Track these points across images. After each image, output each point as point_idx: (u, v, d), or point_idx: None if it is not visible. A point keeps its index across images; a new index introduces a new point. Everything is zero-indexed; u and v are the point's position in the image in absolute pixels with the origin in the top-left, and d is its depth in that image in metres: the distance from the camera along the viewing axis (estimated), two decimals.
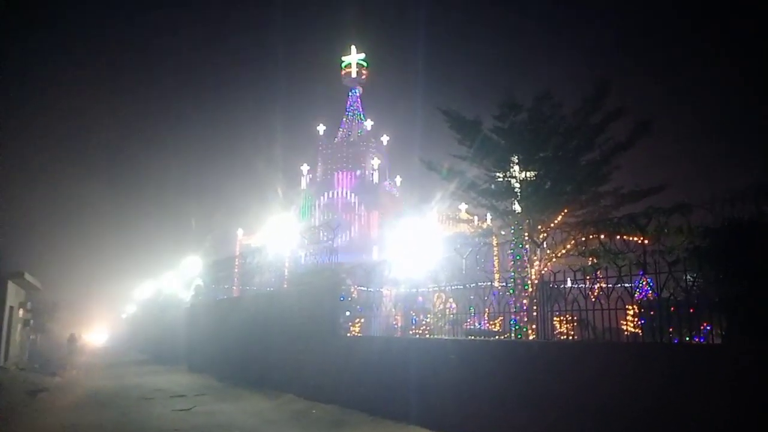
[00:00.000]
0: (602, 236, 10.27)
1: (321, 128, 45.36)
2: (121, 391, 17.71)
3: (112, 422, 12.20)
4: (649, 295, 8.96)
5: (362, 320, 15.00)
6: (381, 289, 14.76)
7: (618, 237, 9.83)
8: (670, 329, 8.09)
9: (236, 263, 25.24)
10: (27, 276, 25.39)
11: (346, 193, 42.01)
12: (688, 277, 8.06)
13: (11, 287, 24.86)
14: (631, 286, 8.82)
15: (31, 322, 30.29)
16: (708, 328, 7.87)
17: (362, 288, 15.02)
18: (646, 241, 9.17)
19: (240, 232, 43.88)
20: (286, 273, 19.49)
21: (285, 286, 19.11)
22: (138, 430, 11.43)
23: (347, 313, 14.78)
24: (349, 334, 14.50)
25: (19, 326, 27.74)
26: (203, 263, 28.69)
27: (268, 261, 20.56)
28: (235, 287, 25.97)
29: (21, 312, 27.74)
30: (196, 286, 28.12)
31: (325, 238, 17.31)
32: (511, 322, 11.82)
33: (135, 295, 54.97)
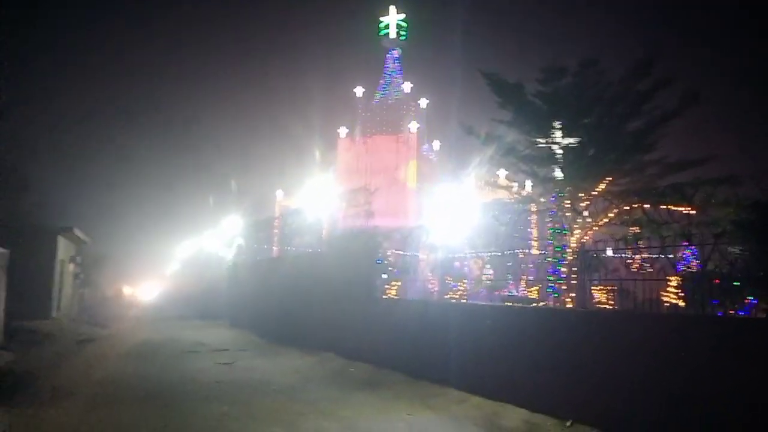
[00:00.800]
0: (646, 206, 10.08)
1: (359, 90, 45.03)
2: (166, 344, 18.52)
3: (156, 373, 12.82)
4: (692, 265, 8.83)
5: (399, 284, 15.20)
6: (418, 254, 14.88)
7: (662, 207, 9.64)
8: (713, 302, 7.98)
9: (275, 224, 25.71)
10: (76, 231, 26.45)
11: (384, 157, 41.93)
12: (734, 250, 7.90)
13: (62, 241, 25.95)
14: (674, 257, 8.69)
15: (81, 275, 31.66)
16: (753, 302, 7.74)
17: (399, 252, 15.16)
18: (691, 212, 8.97)
19: (279, 193, 44.45)
20: (324, 235, 19.78)
21: (323, 248, 19.41)
22: (180, 381, 11.96)
23: (384, 276, 14.99)
24: (385, 297, 14.73)
25: (70, 279, 29.05)
26: (244, 223, 29.30)
27: (307, 223, 20.89)
28: (274, 248, 26.50)
29: (71, 266, 29.00)
30: (237, 246, 28.82)
31: (363, 202, 17.45)
32: (549, 290, 11.81)
33: (178, 252, 56.68)
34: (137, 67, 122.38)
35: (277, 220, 26.08)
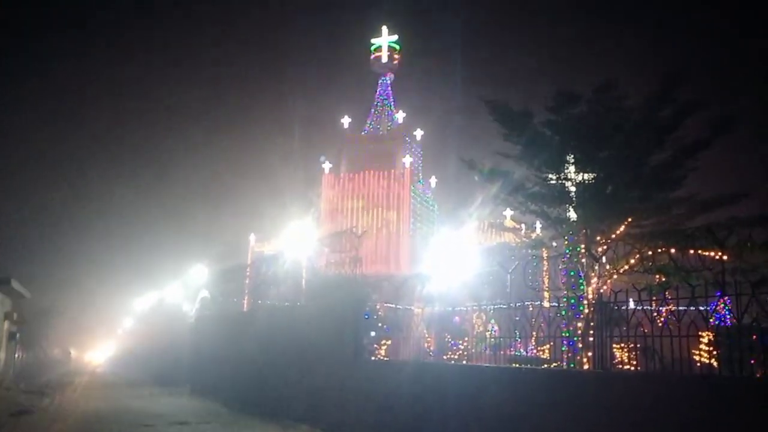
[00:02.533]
0: (673, 250, 10.13)
1: (346, 121, 45.56)
2: (116, 416, 18.05)
3: None
4: (728, 320, 8.78)
5: (389, 342, 15.00)
6: (412, 307, 14.76)
7: (692, 251, 9.68)
8: (752, 361, 7.91)
9: (248, 273, 25.51)
10: (14, 283, 26.08)
11: (373, 195, 42.13)
12: None
13: None
14: (706, 310, 8.65)
15: (18, 335, 31.09)
16: None
17: (390, 305, 15.03)
18: (725, 257, 9.00)
19: (252, 238, 44.37)
20: (303, 285, 19.64)
21: (302, 300, 19.23)
22: None
23: (372, 334, 14.81)
24: (374, 358, 14.52)
25: (4, 340, 28.51)
26: (210, 272, 29.08)
27: (284, 271, 20.75)
28: (245, 300, 26.21)
29: (6, 324, 28.50)
30: (202, 299, 28.52)
31: (349, 247, 17.42)
32: (563, 349, 11.69)
33: (136, 306, 56.02)
34: (92, 98, 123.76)
35: (249, 269, 25.89)
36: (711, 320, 8.74)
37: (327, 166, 44.15)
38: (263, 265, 23.43)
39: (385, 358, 14.68)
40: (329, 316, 15.91)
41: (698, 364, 9.41)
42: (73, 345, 70.42)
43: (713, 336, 8.82)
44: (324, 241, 19.71)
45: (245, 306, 26.13)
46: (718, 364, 8.58)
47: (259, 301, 23.38)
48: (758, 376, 7.75)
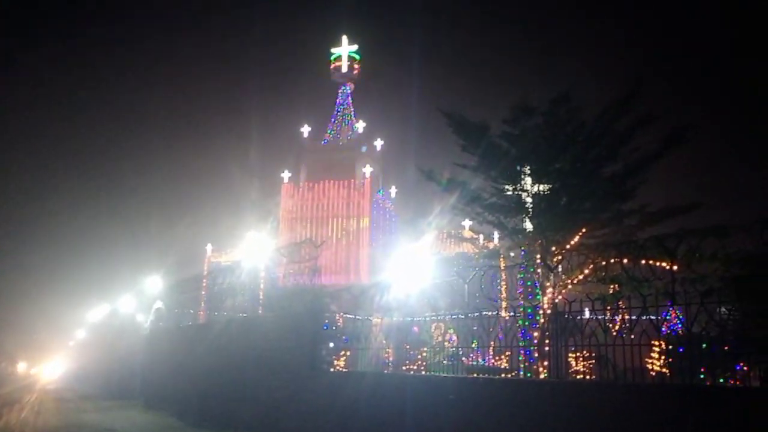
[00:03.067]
0: (625, 261, 10.31)
1: (306, 130, 45.39)
2: None
3: None
4: (679, 329, 8.98)
5: (348, 353, 14.89)
6: (370, 318, 14.70)
7: (643, 262, 9.87)
8: (702, 369, 8.09)
9: (204, 284, 25.10)
10: None
11: (333, 205, 42.01)
12: (723, 309, 8.07)
13: None
14: (657, 319, 8.83)
15: None
16: (745, 369, 7.88)
17: (349, 315, 14.94)
18: (675, 268, 9.20)
19: (209, 248, 43.75)
20: (261, 296, 19.39)
21: (260, 311, 18.98)
22: None
23: (331, 345, 14.68)
24: (333, 369, 14.40)
25: None
26: (165, 283, 28.52)
27: (241, 282, 20.46)
28: (201, 311, 25.77)
29: None
30: (156, 310, 27.92)
31: (307, 257, 17.26)
32: (520, 358, 11.79)
33: (89, 318, 54.53)
34: (47, 102, 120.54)
35: (205, 279, 25.47)
36: (663, 329, 8.92)
37: (286, 175, 43.89)
38: (220, 275, 23.06)
39: (344, 370, 14.56)
40: (287, 327, 15.72)
41: (651, 373, 9.58)
42: (23, 358, 68.09)
43: (665, 345, 8.99)
44: (282, 251, 19.49)
45: (201, 317, 25.68)
46: (670, 373, 8.75)
47: (216, 313, 23.00)
48: (708, 384, 7.93)
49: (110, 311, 40.27)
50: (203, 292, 24.91)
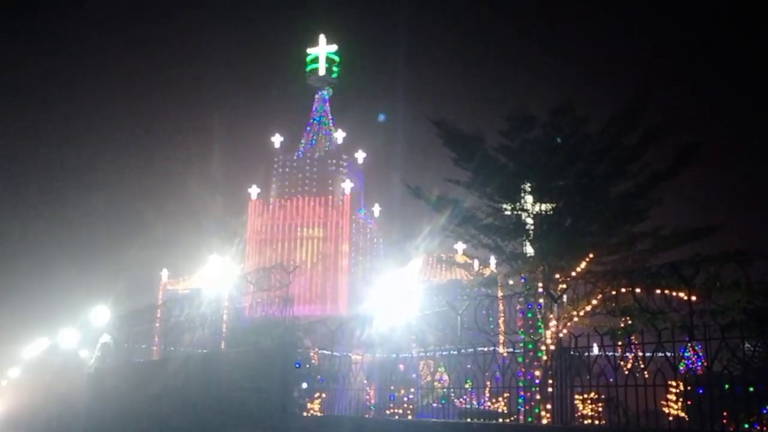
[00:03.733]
0: (637, 290, 10.37)
1: (277, 139, 45.37)
2: None
3: None
4: (698, 368, 9.04)
5: (324, 395, 14.79)
6: (350, 354, 14.63)
7: (658, 292, 9.94)
8: (724, 413, 8.14)
9: (158, 315, 24.87)
10: None
11: (308, 225, 41.93)
12: (747, 345, 8.14)
13: None
14: (674, 356, 8.88)
15: None
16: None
17: (325, 352, 14.87)
18: (693, 298, 9.28)
19: (164, 273, 43.33)
20: (224, 329, 19.25)
21: (223, 346, 18.82)
22: None
23: (304, 385, 14.58)
24: (306, 413, 14.28)
25: None
26: (113, 314, 28.22)
27: (201, 313, 20.30)
28: (155, 347, 25.49)
29: None
30: (102, 345, 27.59)
31: (278, 285, 17.19)
32: (520, 401, 11.77)
33: (23, 354, 53.70)
34: None
35: (159, 310, 25.23)
36: (680, 368, 8.97)
37: (254, 191, 43.76)
38: (177, 305, 22.86)
39: (320, 414, 14.45)
40: (254, 365, 15.60)
41: (667, 417, 9.62)
42: None
43: (682, 385, 9.04)
44: (249, 277, 19.39)
45: (155, 353, 25.40)
46: (688, 417, 8.79)
47: (172, 348, 22.76)
48: (731, 430, 7.97)
49: (49, 346, 39.69)
50: (157, 325, 24.66)
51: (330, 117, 47.10)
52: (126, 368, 24.63)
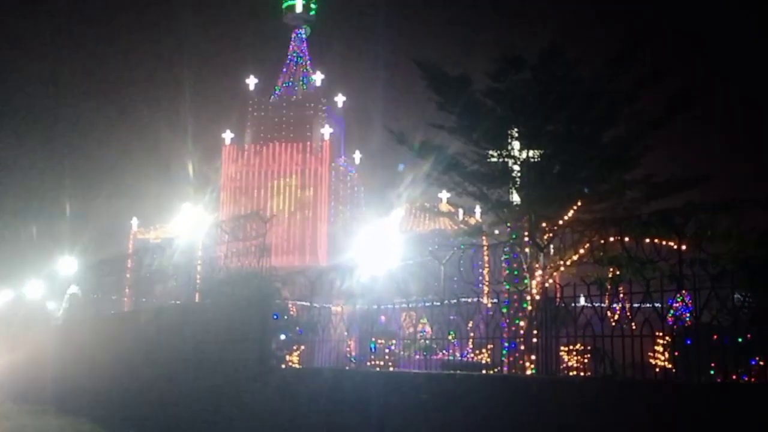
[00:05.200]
0: (626, 239, 10.49)
1: (251, 81, 44.77)
2: None
3: None
4: (686, 319, 9.21)
5: (303, 347, 14.93)
6: (329, 305, 14.73)
7: (647, 241, 10.05)
8: (712, 364, 8.32)
9: (129, 265, 24.82)
10: None
11: (286, 172, 41.73)
12: (737, 296, 8.28)
13: None
14: (662, 307, 9.03)
15: None
16: (761, 364, 8.12)
17: (304, 303, 14.95)
18: (683, 247, 9.40)
19: (134, 222, 43.10)
20: (198, 280, 19.26)
21: (197, 298, 18.87)
22: None
23: (282, 337, 14.70)
24: (284, 366, 14.43)
25: None
26: (82, 265, 28.10)
27: (174, 263, 20.28)
28: (126, 298, 25.49)
29: None
30: (70, 296, 27.54)
31: (254, 234, 17.19)
32: (504, 352, 11.97)
33: None
34: None
35: (130, 260, 25.17)
36: (668, 319, 9.13)
37: (228, 136, 43.34)
38: (148, 255, 22.82)
39: (298, 366, 14.60)
40: (230, 317, 15.68)
41: (655, 368, 9.83)
42: None
43: (670, 337, 9.22)
44: (224, 226, 19.33)
45: (125, 305, 25.42)
46: (676, 368, 8.98)
47: (143, 300, 22.80)
48: (718, 381, 8.16)
49: (14, 298, 39.52)
50: (128, 275, 24.63)
51: (308, 58, 46.46)
52: (95, 320, 24.66)
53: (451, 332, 12.30)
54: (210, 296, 17.85)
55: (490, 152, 14.02)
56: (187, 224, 21.54)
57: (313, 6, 46.05)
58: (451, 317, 12.42)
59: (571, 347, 11.25)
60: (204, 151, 44.29)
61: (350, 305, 14.18)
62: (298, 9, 45.42)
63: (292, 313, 15.03)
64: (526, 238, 12.57)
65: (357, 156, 46.16)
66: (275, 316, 14.63)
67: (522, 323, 11.70)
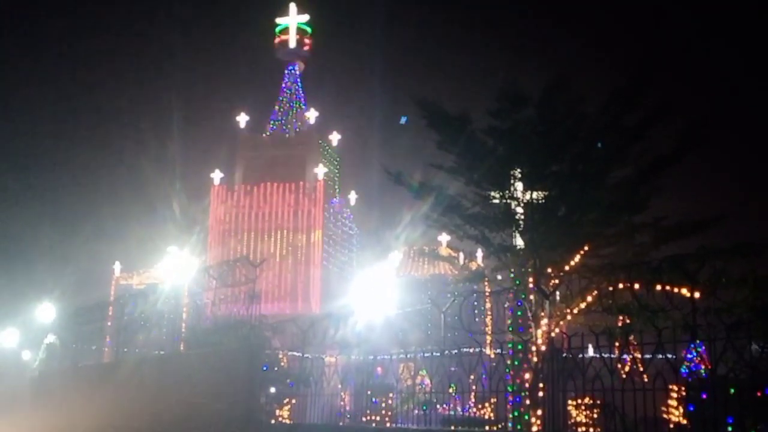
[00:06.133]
0: (637, 286, 10.47)
1: (242, 119, 45.04)
2: None
3: None
4: (701, 371, 9.14)
5: (294, 401, 14.81)
6: (323, 356, 14.65)
7: (659, 288, 10.03)
8: (730, 420, 8.24)
9: (110, 313, 24.71)
10: None
11: (277, 213, 41.77)
12: (755, 346, 8.24)
13: None
14: (675, 358, 8.99)
15: None
16: None
17: (295, 353, 14.88)
18: (696, 295, 9.38)
19: (117, 267, 42.97)
20: (183, 329, 19.18)
21: (182, 347, 18.77)
22: None
23: (272, 390, 14.60)
24: (274, 421, 14.32)
25: None
26: (60, 312, 28.00)
27: (158, 311, 20.21)
28: (107, 348, 25.33)
29: None
30: (47, 346, 27.40)
31: (243, 279, 17.16)
32: (508, 407, 11.85)
33: None
34: None
35: (111, 307, 25.07)
36: (682, 371, 9.08)
37: (217, 175, 43.47)
38: (131, 302, 22.75)
39: (289, 422, 14.47)
40: (216, 369, 15.59)
41: (668, 423, 9.75)
42: None
43: (684, 390, 9.15)
44: (211, 271, 19.32)
45: (106, 356, 25.25)
46: (691, 424, 8.89)
47: (125, 349, 22.65)
48: None
49: None
50: (109, 324, 24.50)
51: (301, 94, 46.86)
52: (73, 372, 24.47)
53: (452, 385, 12.21)
54: (196, 346, 17.75)
55: (492, 193, 14.05)
56: (172, 269, 21.54)
57: (307, 41, 46.54)
58: (452, 369, 12.34)
59: (579, 401, 11.16)
60: (191, 192, 44.38)
61: (345, 356, 14.10)
62: (291, 44, 45.85)
63: (282, 364, 14.96)
64: (531, 285, 12.53)
65: (352, 196, 46.23)
66: (265, 368, 14.56)
67: (527, 375, 11.60)
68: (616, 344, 9.83)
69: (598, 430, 10.48)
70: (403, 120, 41.37)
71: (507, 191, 13.81)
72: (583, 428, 11.28)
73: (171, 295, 20.02)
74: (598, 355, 9.63)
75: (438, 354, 12.57)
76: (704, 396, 8.65)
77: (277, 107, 46.52)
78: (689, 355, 9.22)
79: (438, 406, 12.72)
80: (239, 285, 17.20)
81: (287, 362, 15.02)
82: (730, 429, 8.25)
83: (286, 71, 47.13)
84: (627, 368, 9.50)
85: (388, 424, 13.02)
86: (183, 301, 19.54)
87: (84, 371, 23.87)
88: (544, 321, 12.47)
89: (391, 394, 13.55)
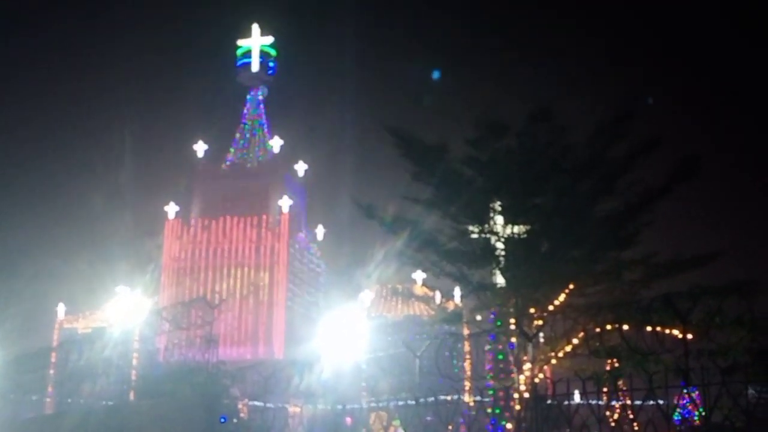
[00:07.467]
0: (625, 327, 10.54)
1: (200, 147, 44.94)
2: None
3: None
4: (694, 418, 9.20)
5: None
6: (286, 405, 14.53)
7: (649, 329, 10.11)
8: None
9: (52, 360, 24.36)
10: None
11: (237, 250, 41.56)
12: (751, 391, 8.31)
13: None
14: (667, 405, 9.03)
15: None
16: None
17: (257, 403, 14.74)
18: (689, 336, 9.46)
19: (61, 309, 42.39)
20: (134, 376, 18.95)
21: (132, 397, 18.51)
22: None
23: None
24: None
25: None
26: None
27: (105, 357, 19.96)
28: (49, 399, 24.90)
29: None
30: None
31: (200, 322, 17.04)
32: None
33: None
34: None
35: (54, 354, 24.72)
36: (675, 417, 9.12)
37: (172, 209, 43.21)
38: (75, 348, 22.44)
39: None
40: (170, 420, 15.39)
41: None
42: None
43: None
44: (165, 313, 19.17)
45: (48, 407, 24.82)
46: None
47: (69, 400, 22.30)
48: None
49: None
50: (52, 372, 24.13)
51: (264, 121, 46.88)
52: (12, 425, 24.03)
53: None
54: (147, 396, 17.53)
55: (471, 228, 14.12)
56: (121, 311, 21.30)
57: (270, 64, 46.66)
58: (428, 418, 12.28)
59: None
60: (144, 226, 44.03)
61: (310, 406, 13.99)
62: (254, 68, 45.83)
63: (242, 415, 14.81)
64: (513, 326, 12.57)
65: (320, 231, 46.14)
66: (223, 419, 14.40)
67: (509, 425, 11.61)
68: (605, 390, 9.89)
69: None
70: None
71: (486, 225, 13.89)
72: None
73: (120, 340, 19.79)
74: (585, 402, 9.65)
75: (413, 402, 12.51)
76: None
77: (238, 135, 46.46)
78: (682, 402, 9.28)
79: None
80: (195, 328, 17.08)
81: (247, 413, 14.88)
82: None
83: (248, 97, 47.18)
84: (616, 416, 9.53)
85: None
86: (133, 346, 19.34)
87: (24, 425, 23.45)
88: (527, 365, 12.51)
89: None
